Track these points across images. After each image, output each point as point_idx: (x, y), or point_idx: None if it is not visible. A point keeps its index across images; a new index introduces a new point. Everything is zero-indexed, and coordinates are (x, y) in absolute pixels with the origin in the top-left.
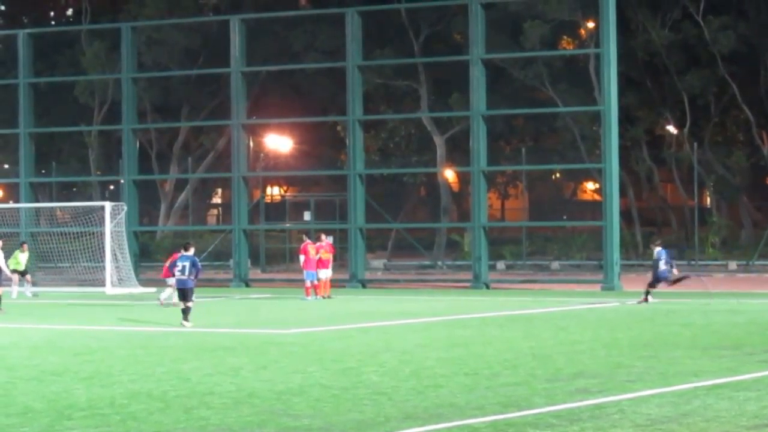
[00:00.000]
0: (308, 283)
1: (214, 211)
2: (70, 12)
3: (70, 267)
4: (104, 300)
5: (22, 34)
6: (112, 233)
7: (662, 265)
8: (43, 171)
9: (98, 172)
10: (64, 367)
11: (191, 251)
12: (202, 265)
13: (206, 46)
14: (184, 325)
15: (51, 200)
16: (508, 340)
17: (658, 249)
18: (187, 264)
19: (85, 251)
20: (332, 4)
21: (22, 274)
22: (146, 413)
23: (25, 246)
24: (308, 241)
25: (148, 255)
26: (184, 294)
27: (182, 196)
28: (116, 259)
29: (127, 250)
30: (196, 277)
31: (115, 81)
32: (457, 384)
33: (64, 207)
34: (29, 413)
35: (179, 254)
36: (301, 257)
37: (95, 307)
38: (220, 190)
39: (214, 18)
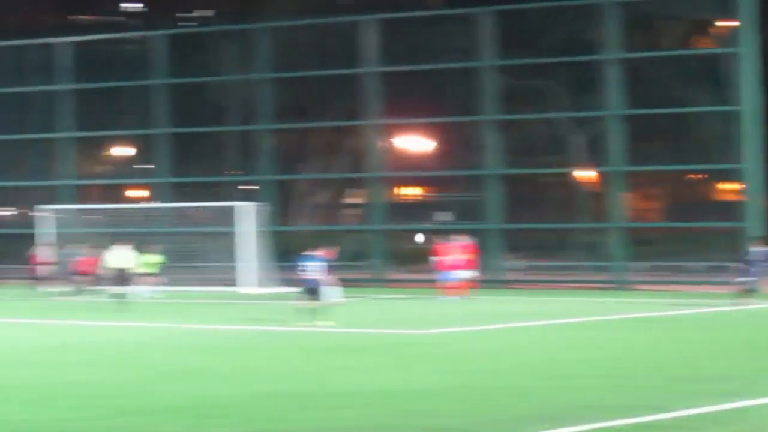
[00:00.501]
0: (445, 284)
1: (352, 212)
2: (208, 13)
3: (209, 267)
4: (244, 300)
5: (159, 35)
6: (251, 233)
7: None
8: (183, 171)
9: (237, 173)
10: (207, 366)
11: (318, 252)
12: (339, 265)
13: (341, 47)
14: (316, 325)
15: (191, 200)
16: (649, 341)
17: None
18: (313, 264)
19: (225, 251)
20: (467, 3)
21: (149, 275)
22: (286, 412)
23: (154, 247)
24: (445, 241)
25: (287, 254)
26: (312, 293)
27: (319, 196)
28: (256, 258)
29: (267, 251)
30: (323, 277)
31: (252, 82)
32: (598, 385)
33: (204, 207)
34: (173, 411)
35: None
36: (437, 258)
37: (236, 306)
38: (357, 191)
39: (348, 18)
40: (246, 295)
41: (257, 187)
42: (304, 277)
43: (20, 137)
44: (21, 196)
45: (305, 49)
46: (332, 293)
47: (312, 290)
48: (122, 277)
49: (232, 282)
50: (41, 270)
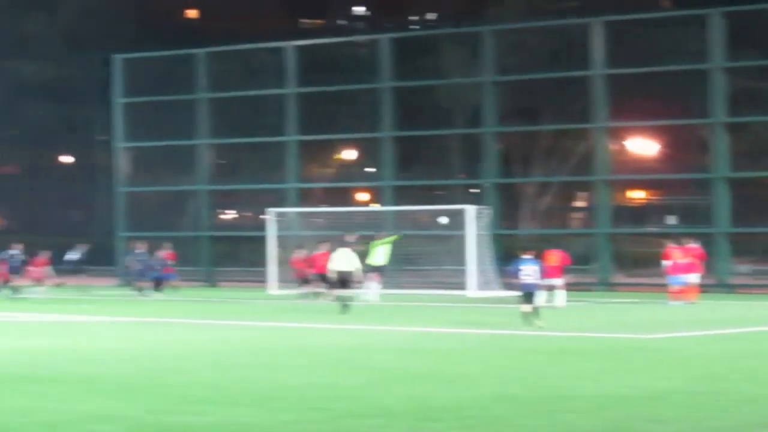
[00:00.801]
0: (673, 288)
1: (577, 215)
2: (432, 16)
3: (434, 270)
4: (468, 303)
5: (384, 38)
6: (475, 236)
7: None
8: (407, 174)
9: (461, 176)
10: (429, 369)
11: (531, 254)
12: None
13: (567, 49)
14: (540, 327)
15: (414, 203)
16: None
17: None
18: (531, 267)
19: (449, 254)
20: (695, 4)
21: (376, 270)
22: (510, 416)
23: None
24: (673, 245)
25: (510, 258)
26: (529, 297)
27: (544, 200)
28: (480, 262)
29: (490, 254)
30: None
31: (477, 85)
32: None
33: (427, 210)
34: (395, 414)
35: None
36: (666, 262)
37: (459, 310)
38: (582, 194)
39: (575, 21)
40: (471, 299)
41: (483, 190)
42: (522, 281)
43: (249, 140)
44: (251, 199)
45: (531, 51)
46: (552, 297)
47: (529, 294)
48: (344, 280)
49: (456, 285)
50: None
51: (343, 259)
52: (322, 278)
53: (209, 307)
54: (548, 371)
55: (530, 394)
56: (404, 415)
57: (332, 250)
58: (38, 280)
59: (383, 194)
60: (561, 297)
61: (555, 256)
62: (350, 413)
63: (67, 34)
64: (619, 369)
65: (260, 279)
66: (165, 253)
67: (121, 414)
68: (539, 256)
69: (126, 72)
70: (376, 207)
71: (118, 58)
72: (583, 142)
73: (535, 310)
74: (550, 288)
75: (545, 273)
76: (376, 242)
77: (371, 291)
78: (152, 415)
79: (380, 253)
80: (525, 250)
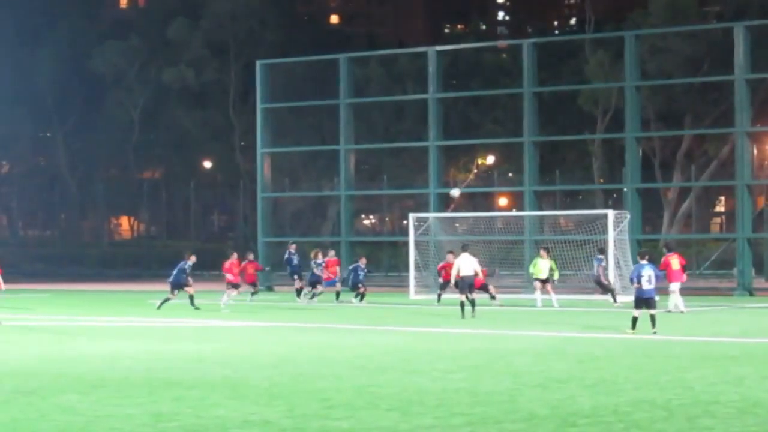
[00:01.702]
0: None
1: (718, 220)
2: (573, 21)
3: (573, 275)
4: (608, 308)
5: (526, 43)
6: (615, 241)
7: None
8: (547, 179)
9: (601, 180)
10: (569, 374)
11: (646, 259)
12: (705, 273)
13: (710, 54)
14: (654, 332)
15: (555, 208)
16: None
17: None
18: (651, 272)
19: (589, 259)
20: None
21: (544, 282)
22: (649, 422)
23: (544, 252)
24: None
25: (651, 263)
26: (649, 303)
27: (685, 205)
28: (619, 266)
29: (630, 259)
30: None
31: (619, 89)
32: None
33: (568, 215)
34: (534, 419)
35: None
36: None
37: (599, 314)
38: (723, 199)
39: (718, 25)
40: (611, 303)
41: (624, 195)
42: (641, 286)
43: (390, 146)
44: (391, 204)
45: (673, 56)
46: (673, 301)
47: (649, 300)
48: (469, 285)
49: (597, 290)
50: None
51: (465, 264)
52: (453, 284)
53: (349, 312)
54: (689, 377)
55: (670, 399)
56: (544, 420)
57: (458, 254)
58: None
59: (524, 199)
60: (680, 301)
61: (676, 260)
62: (490, 418)
63: (209, 41)
64: (761, 375)
65: (401, 284)
66: (328, 259)
67: (262, 419)
68: (658, 260)
69: (269, 77)
70: (515, 212)
71: (261, 64)
72: (725, 147)
73: (652, 317)
74: (671, 292)
75: (669, 277)
76: (537, 258)
77: (541, 297)
78: (292, 420)
79: (543, 265)
80: (642, 256)
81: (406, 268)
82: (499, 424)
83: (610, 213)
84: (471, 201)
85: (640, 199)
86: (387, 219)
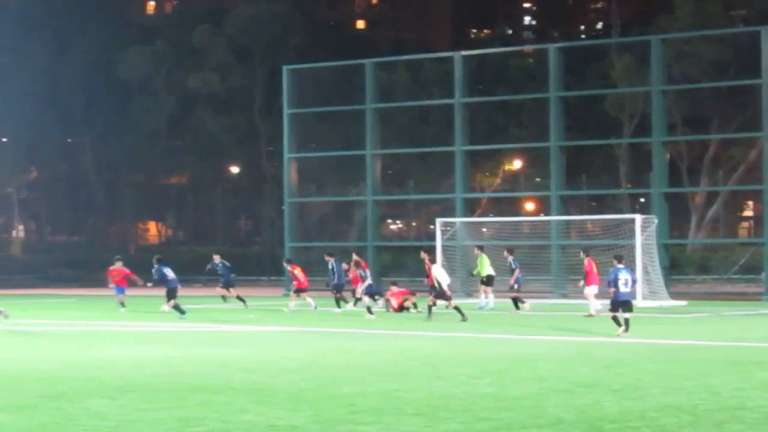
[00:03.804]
0: None
1: (745, 224)
2: (599, 26)
3: (600, 279)
4: (635, 313)
5: (552, 48)
6: (642, 246)
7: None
8: (574, 184)
9: (628, 185)
10: (595, 379)
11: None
12: (733, 278)
13: (736, 58)
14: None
15: (581, 213)
16: None
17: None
18: (628, 276)
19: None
20: None
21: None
22: (676, 427)
23: (479, 251)
24: None
25: (678, 268)
26: (627, 306)
27: (713, 209)
28: (647, 271)
29: (657, 263)
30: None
31: (645, 94)
32: None
33: (595, 220)
34: (560, 424)
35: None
36: None
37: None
38: (751, 203)
39: (744, 29)
40: (638, 308)
41: (651, 199)
42: (620, 290)
43: (416, 150)
44: (417, 209)
45: (699, 60)
46: None
47: (626, 303)
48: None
49: None
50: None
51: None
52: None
53: (375, 317)
54: (715, 382)
55: (697, 404)
56: (570, 426)
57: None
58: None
59: (550, 204)
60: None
61: (594, 266)
62: (516, 423)
63: (235, 46)
64: None
65: (426, 289)
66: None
67: (288, 424)
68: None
69: (294, 82)
70: (542, 217)
71: (287, 69)
72: (752, 151)
73: (626, 320)
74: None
75: (590, 281)
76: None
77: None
78: (319, 424)
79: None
80: (619, 260)
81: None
82: (525, 429)
83: (638, 218)
84: (497, 206)
85: (666, 204)
86: (413, 224)
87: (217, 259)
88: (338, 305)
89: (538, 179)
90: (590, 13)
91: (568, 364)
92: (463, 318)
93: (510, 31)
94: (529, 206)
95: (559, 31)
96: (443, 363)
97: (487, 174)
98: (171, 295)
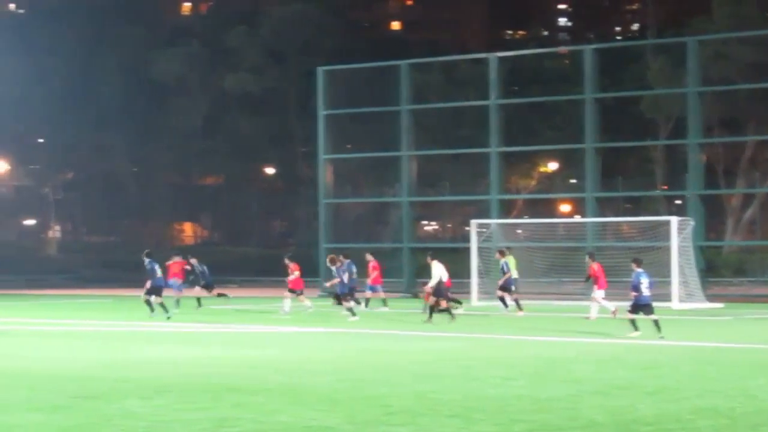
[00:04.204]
0: None
1: None
2: (635, 27)
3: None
4: (671, 315)
5: (587, 49)
6: (678, 248)
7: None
8: (609, 185)
9: (664, 187)
10: (631, 382)
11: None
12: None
13: None
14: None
15: (617, 215)
16: None
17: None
18: (648, 279)
19: (651, 266)
20: None
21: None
22: (712, 429)
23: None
24: None
25: (714, 270)
26: (648, 309)
27: (749, 211)
28: (683, 274)
29: (694, 265)
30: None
31: (681, 95)
32: None
33: (630, 222)
34: (595, 427)
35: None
36: None
37: (662, 321)
38: None
39: None
40: (674, 310)
41: (687, 201)
42: (643, 293)
43: (451, 152)
44: (452, 210)
45: (736, 61)
46: None
47: (647, 306)
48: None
49: (658, 297)
50: None
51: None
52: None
53: (410, 319)
54: (752, 384)
55: (732, 407)
56: (605, 428)
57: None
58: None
59: (586, 205)
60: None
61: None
62: (550, 425)
63: (269, 47)
64: None
65: (462, 290)
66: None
67: (322, 425)
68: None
69: (329, 84)
70: (577, 218)
71: (322, 71)
72: None
73: (655, 322)
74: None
75: (600, 284)
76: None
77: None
78: (353, 426)
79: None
80: (638, 263)
81: (468, 275)
82: (559, 431)
83: (674, 220)
84: (532, 207)
85: (703, 206)
86: (448, 225)
87: (194, 261)
88: (367, 305)
89: (573, 181)
90: (626, 14)
91: (603, 366)
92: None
93: (545, 33)
94: (565, 208)
95: (595, 32)
96: (477, 365)
97: (523, 175)
98: (156, 292)
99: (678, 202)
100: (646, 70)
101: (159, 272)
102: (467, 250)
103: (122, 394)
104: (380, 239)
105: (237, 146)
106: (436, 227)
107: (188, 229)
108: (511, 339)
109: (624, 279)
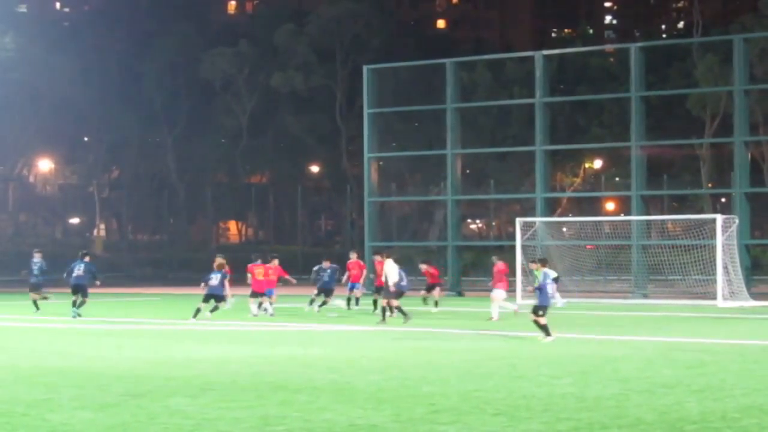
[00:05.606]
0: None
1: None
2: (681, 25)
3: (681, 280)
4: (716, 313)
5: (633, 47)
6: (723, 246)
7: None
8: (655, 184)
9: (710, 185)
10: (677, 380)
11: None
12: None
13: None
14: None
15: (662, 213)
16: None
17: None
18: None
19: (696, 264)
20: None
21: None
22: (758, 428)
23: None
24: None
25: (760, 268)
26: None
27: None
28: (727, 272)
29: (738, 264)
30: None
31: (727, 93)
32: None
33: (676, 220)
34: (641, 425)
35: None
36: None
37: (707, 320)
38: None
39: None
40: (719, 309)
41: (733, 199)
42: None
43: (497, 150)
44: (497, 208)
45: None
46: None
47: None
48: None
49: (703, 295)
50: None
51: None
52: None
53: (454, 317)
54: None
55: None
56: (651, 426)
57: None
58: None
59: (631, 203)
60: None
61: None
62: (596, 424)
63: (316, 46)
64: None
65: (509, 290)
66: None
67: (369, 423)
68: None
69: (375, 82)
70: (623, 216)
71: (368, 69)
72: None
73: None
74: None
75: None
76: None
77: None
78: (399, 424)
79: None
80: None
81: (513, 273)
82: (605, 429)
83: (719, 218)
84: (578, 205)
85: (748, 204)
86: (494, 224)
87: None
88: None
89: (618, 179)
90: (672, 13)
91: (650, 364)
92: (407, 318)
93: (591, 31)
94: (610, 206)
95: (641, 30)
96: (523, 363)
97: (568, 174)
98: (81, 291)
99: (723, 200)
100: (692, 68)
101: (77, 272)
102: (513, 248)
103: (168, 393)
104: (426, 237)
105: (283, 145)
106: (482, 226)
107: (234, 227)
108: (557, 337)
109: (670, 277)
